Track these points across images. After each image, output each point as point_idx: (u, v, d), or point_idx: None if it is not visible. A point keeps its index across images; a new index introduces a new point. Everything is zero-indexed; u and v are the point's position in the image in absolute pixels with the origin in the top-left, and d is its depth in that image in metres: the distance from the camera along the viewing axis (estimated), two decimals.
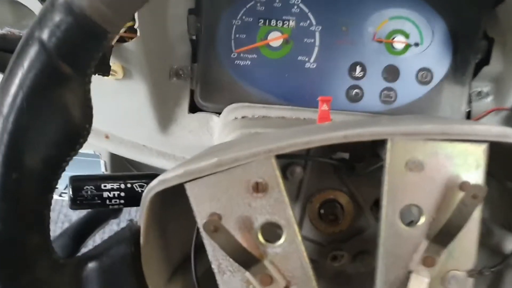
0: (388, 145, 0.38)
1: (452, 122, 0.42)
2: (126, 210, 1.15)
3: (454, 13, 0.72)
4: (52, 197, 0.35)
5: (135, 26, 0.60)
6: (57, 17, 0.32)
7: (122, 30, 0.60)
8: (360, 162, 0.47)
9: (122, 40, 0.62)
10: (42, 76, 0.32)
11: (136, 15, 0.61)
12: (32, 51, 0.32)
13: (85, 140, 0.35)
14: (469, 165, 0.38)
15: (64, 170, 0.35)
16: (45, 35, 0.32)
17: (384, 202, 0.39)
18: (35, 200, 0.34)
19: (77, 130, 0.34)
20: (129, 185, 0.51)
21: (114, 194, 0.50)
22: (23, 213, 0.34)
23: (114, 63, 0.64)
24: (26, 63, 0.32)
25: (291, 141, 0.38)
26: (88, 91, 0.35)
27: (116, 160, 0.79)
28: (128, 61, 0.65)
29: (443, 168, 0.38)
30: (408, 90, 0.74)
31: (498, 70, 0.74)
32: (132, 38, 0.62)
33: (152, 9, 0.64)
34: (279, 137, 0.41)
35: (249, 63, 0.72)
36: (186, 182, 0.39)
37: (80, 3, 0.32)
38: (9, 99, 0.32)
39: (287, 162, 0.49)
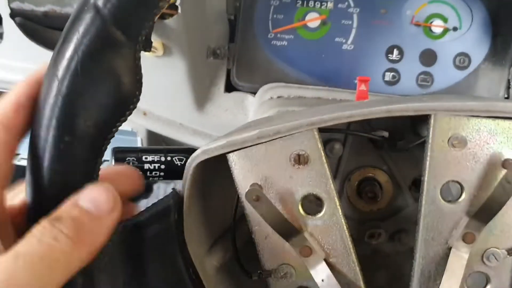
0: (432, 121, 0.38)
1: (495, 99, 0.42)
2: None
3: None
4: (101, 162, 0.36)
5: (177, 3, 0.61)
6: None
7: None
8: (401, 140, 0.47)
9: (163, 17, 0.63)
10: (96, 41, 0.33)
11: None
12: (87, 17, 0.33)
13: (135, 106, 0.36)
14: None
15: (113, 136, 0.36)
16: (100, 1, 0.32)
17: (426, 177, 0.39)
18: (86, 162, 0.35)
19: (127, 96, 0.35)
20: (169, 158, 0.52)
21: (154, 166, 0.51)
22: (73, 175, 0.35)
23: (155, 40, 0.65)
24: (81, 28, 0.33)
25: (334, 115, 0.39)
26: (139, 59, 0.36)
27: (152, 138, 0.80)
28: (168, 38, 0.66)
29: (486, 145, 0.38)
30: (445, 74, 0.73)
31: None
32: (172, 15, 0.63)
33: None
34: (321, 111, 0.41)
35: (286, 43, 0.73)
36: (228, 152, 0.40)
37: None
38: (64, 62, 0.33)
39: (326, 138, 0.50)
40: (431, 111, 0.38)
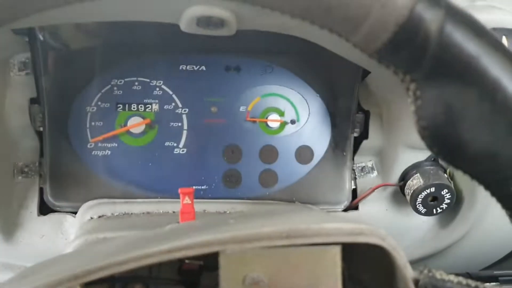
0: (220, 259, 0.31)
1: (305, 220, 0.36)
2: None
3: (328, 87, 0.69)
4: None
5: None
6: None
7: None
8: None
9: None
10: None
11: None
12: None
13: None
14: (322, 273, 0.32)
15: None
16: None
17: None
18: None
19: None
20: None
21: None
22: None
23: None
24: None
25: (101, 264, 0.30)
26: None
27: None
28: None
29: (290, 280, 0.31)
30: (288, 170, 0.69)
31: (378, 144, 0.70)
32: None
33: None
34: (106, 253, 0.33)
35: (109, 153, 0.64)
36: None
37: None
38: None
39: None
40: (218, 245, 0.31)
